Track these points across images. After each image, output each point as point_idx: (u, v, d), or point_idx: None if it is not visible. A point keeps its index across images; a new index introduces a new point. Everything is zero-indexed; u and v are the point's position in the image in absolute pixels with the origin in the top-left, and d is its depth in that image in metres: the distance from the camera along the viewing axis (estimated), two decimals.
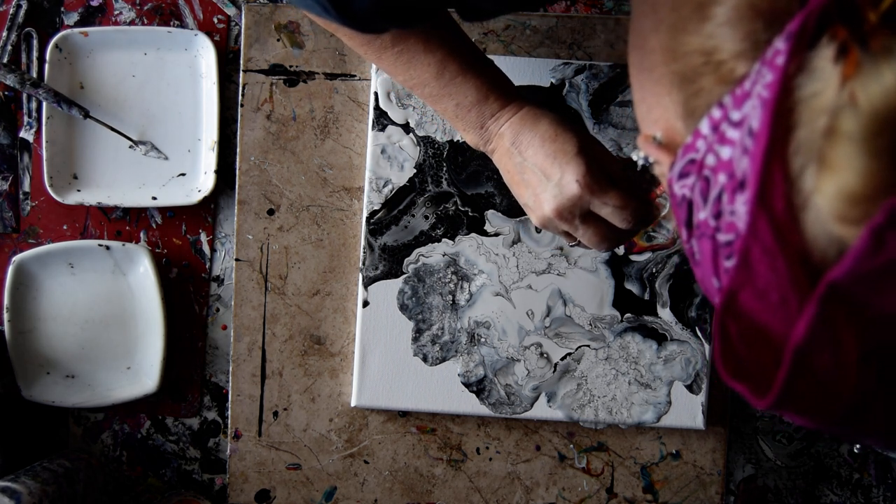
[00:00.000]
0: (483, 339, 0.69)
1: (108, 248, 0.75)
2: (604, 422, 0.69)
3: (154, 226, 0.78)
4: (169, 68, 0.77)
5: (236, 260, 0.71)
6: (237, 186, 0.71)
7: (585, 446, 0.71)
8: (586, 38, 0.71)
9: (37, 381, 0.75)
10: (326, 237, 0.71)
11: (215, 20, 0.78)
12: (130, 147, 0.77)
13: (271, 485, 0.70)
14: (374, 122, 0.69)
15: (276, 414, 0.71)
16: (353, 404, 0.69)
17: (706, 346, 0.69)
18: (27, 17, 0.79)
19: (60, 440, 0.77)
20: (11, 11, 0.78)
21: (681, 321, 0.69)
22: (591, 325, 0.69)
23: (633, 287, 0.69)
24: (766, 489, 0.75)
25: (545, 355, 0.69)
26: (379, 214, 0.69)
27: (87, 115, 0.75)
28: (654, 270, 0.69)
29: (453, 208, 0.69)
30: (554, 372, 0.69)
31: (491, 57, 0.69)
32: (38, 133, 0.78)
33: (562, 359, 0.69)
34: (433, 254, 0.69)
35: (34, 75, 0.78)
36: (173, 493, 0.75)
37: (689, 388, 0.69)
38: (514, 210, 0.69)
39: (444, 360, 0.69)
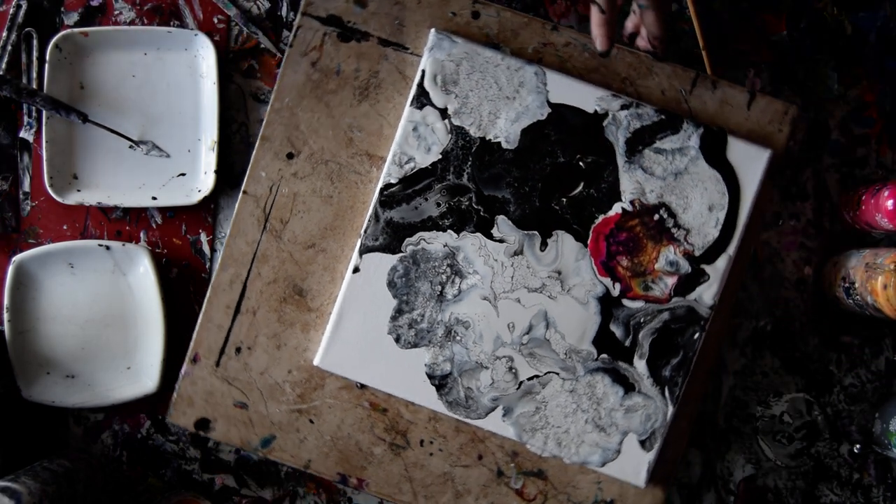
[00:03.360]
0: (458, 338, 0.69)
1: (108, 248, 0.75)
2: (550, 452, 0.69)
3: (154, 226, 0.79)
4: (169, 68, 0.78)
5: (243, 192, 0.71)
6: (264, 122, 0.71)
7: (526, 469, 0.71)
8: (641, 76, 0.71)
9: (37, 381, 0.76)
10: (337, 195, 0.71)
11: (215, 20, 0.79)
12: (131, 147, 0.77)
13: (214, 416, 0.70)
14: (414, 98, 0.69)
15: (238, 350, 0.71)
16: (315, 363, 0.69)
17: (670, 408, 0.69)
18: (27, 18, 0.79)
19: (60, 440, 0.78)
20: (11, 11, 0.79)
21: (653, 377, 0.69)
22: (566, 354, 0.69)
23: (617, 330, 0.69)
24: (766, 489, 0.75)
25: (513, 370, 0.69)
26: (394, 188, 0.69)
27: (85, 119, 0.75)
28: (641, 320, 0.69)
29: (467, 203, 0.69)
30: (517, 389, 0.69)
31: (545, 70, 0.69)
32: (38, 133, 0.79)
33: (528, 378, 0.69)
34: (435, 241, 0.69)
35: (34, 75, 0.78)
36: (173, 493, 0.75)
37: (642, 443, 0.69)
38: (525, 222, 0.69)
39: (415, 345, 0.69)
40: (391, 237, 0.69)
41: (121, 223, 0.78)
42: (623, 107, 0.69)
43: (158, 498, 0.76)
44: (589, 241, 0.69)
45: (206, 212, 0.78)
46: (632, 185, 0.69)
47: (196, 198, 0.76)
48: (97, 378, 0.76)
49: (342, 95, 0.71)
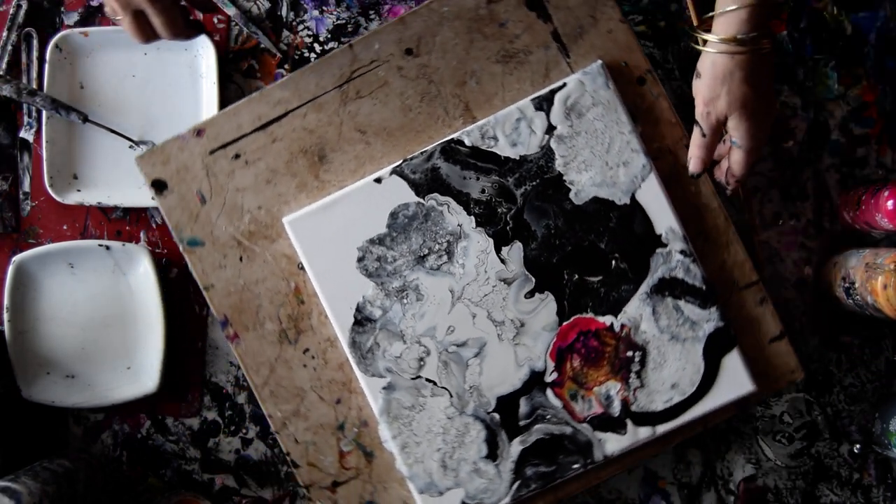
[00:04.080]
0: (405, 301, 0.69)
1: (108, 248, 0.75)
2: (391, 447, 0.69)
3: (154, 226, 0.79)
4: (169, 68, 0.78)
5: (349, 45, 0.70)
6: (413, 10, 0.70)
7: (362, 442, 0.71)
8: (716, 243, 0.71)
9: (37, 381, 0.75)
10: (415, 113, 0.71)
11: (215, 20, 0.79)
12: (131, 147, 0.77)
13: (173, 188, 0.70)
14: (539, 98, 0.69)
15: (237, 157, 0.70)
16: (284, 219, 0.69)
17: (506, 500, 0.69)
18: (27, 17, 0.79)
19: (60, 440, 0.77)
20: (11, 11, 0.79)
21: (516, 466, 0.69)
22: (470, 388, 0.69)
23: (523, 406, 0.69)
24: (766, 489, 0.75)
25: (422, 362, 0.69)
26: (461, 148, 0.69)
27: (85, 119, 0.75)
28: (547, 416, 0.69)
29: (504, 210, 0.69)
30: (412, 379, 0.69)
31: (652, 170, 0.68)
32: (38, 133, 0.78)
33: (427, 379, 0.69)
34: (455, 215, 0.69)
35: (34, 75, 0.78)
36: (173, 493, 0.75)
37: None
38: (533, 264, 0.69)
39: (369, 276, 0.69)
40: (426, 182, 0.69)
41: (121, 223, 0.78)
42: (682, 252, 0.69)
43: (158, 498, 0.76)
44: (565, 323, 0.69)
45: None
46: (635, 314, 0.69)
47: None
48: (97, 378, 0.76)
49: (488, 45, 0.71)
